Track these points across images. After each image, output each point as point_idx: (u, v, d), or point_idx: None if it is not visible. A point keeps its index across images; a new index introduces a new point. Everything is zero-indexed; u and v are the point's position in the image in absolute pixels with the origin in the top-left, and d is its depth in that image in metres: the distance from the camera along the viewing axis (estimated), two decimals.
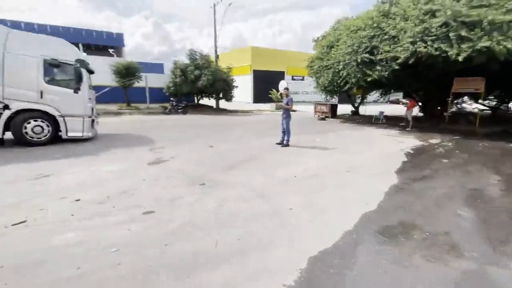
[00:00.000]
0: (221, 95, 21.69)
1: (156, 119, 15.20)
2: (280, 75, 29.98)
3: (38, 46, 6.84)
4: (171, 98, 19.58)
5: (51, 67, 6.96)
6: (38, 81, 6.79)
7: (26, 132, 6.77)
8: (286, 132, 7.70)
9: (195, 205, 3.59)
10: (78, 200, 3.62)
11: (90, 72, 8.07)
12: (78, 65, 7.24)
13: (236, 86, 22.19)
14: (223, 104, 23.01)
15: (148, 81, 20.78)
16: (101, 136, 8.70)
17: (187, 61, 20.21)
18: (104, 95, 16.53)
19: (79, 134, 7.46)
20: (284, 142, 7.74)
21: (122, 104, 20.12)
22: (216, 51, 22.27)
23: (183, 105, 19.26)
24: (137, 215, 3.27)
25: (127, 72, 18.41)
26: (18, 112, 6.68)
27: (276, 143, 7.94)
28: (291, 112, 7.82)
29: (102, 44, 28.67)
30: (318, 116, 17.28)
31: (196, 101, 23.33)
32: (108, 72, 17.84)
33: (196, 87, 19.30)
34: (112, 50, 30.38)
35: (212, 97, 21.96)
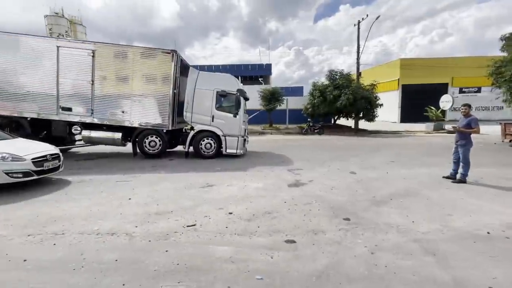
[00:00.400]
0: (361, 115, 20.06)
1: (293, 139, 15.97)
2: (440, 88, 24.29)
3: (213, 82, 8.82)
4: (308, 119, 20.12)
5: (220, 96, 8.76)
6: (211, 108, 8.69)
7: (201, 148, 8.76)
8: (463, 163, 5.71)
9: (340, 246, 3.09)
10: (231, 213, 4.02)
11: (246, 99, 9.53)
12: (238, 94, 8.72)
13: (380, 105, 19.86)
14: (362, 124, 21.17)
15: (289, 103, 22.50)
16: (249, 153, 9.97)
17: (326, 82, 20.29)
18: (251, 117, 19.37)
19: (234, 151, 8.84)
20: (459, 176, 5.77)
21: (265, 125, 22.79)
22: (358, 69, 21.10)
23: (319, 125, 19.29)
24: (279, 241, 3.17)
25: (272, 97, 20.75)
26: (198, 132, 8.77)
27: (444, 177, 6.06)
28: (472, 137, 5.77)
29: (255, 74, 34.56)
30: (510, 140, 12.25)
31: (332, 121, 22.82)
32: (256, 98, 20.82)
33: (335, 107, 18.86)
34: (261, 79, 35.76)
35: (350, 116, 20.73)
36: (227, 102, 8.99)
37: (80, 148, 10.32)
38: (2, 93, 8.02)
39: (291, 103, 23.45)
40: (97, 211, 4.10)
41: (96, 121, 8.33)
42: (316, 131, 19.06)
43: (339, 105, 18.29)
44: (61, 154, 5.94)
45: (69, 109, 8.25)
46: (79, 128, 8.54)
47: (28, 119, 8.30)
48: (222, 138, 8.76)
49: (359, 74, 21.10)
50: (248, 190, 5.27)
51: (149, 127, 8.50)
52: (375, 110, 19.75)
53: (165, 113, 8.40)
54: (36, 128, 8.52)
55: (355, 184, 5.80)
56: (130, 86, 8.34)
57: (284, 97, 21.61)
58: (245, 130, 9.22)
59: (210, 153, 8.81)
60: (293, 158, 8.95)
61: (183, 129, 9.89)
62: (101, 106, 8.30)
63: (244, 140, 9.17)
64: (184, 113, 8.66)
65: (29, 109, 8.15)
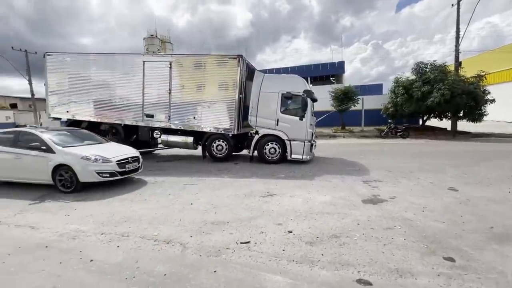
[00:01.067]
0: (461, 114, 16.32)
1: (370, 143, 14.14)
2: None
3: (278, 84, 8.43)
4: (389, 120, 17.60)
5: (285, 99, 8.30)
6: (276, 111, 8.33)
7: (265, 152, 8.49)
8: None
9: None
10: (291, 232, 3.49)
11: (314, 100, 8.78)
12: (305, 95, 8.08)
13: (491, 100, 15.72)
14: (463, 125, 17.22)
15: (365, 103, 20.26)
16: (316, 159, 9.16)
17: (412, 77, 17.36)
18: (319, 120, 18.17)
19: (299, 157, 8.22)
20: None
21: (336, 127, 21.13)
22: (457, 58, 17.26)
23: (403, 127, 16.60)
24: (348, 280, 2.47)
25: (345, 97, 19.06)
26: (263, 136, 8.54)
27: None
28: None
29: (326, 74, 32.64)
30: None
31: (420, 122, 19.39)
32: (327, 98, 19.47)
33: (424, 106, 15.89)
34: (333, 78, 33.66)
35: (445, 116, 17.13)
36: (293, 104, 8.47)
37: (161, 150, 11.58)
38: (106, 104, 9.65)
39: (368, 102, 21.06)
40: (161, 215, 4.21)
41: (172, 126, 9.10)
42: (399, 134, 16.47)
43: (430, 103, 15.30)
44: (140, 156, 6.59)
45: (152, 116, 9.27)
46: (159, 133, 9.51)
47: (122, 125, 9.73)
48: (287, 142, 8.28)
49: (458, 64, 17.22)
50: (313, 203, 4.61)
51: (216, 132, 8.76)
52: (482, 108, 15.73)
53: (231, 118, 8.50)
54: (128, 133, 9.92)
55: (458, 205, 4.39)
56: (201, 92, 8.79)
57: (359, 96, 19.56)
58: (312, 134, 8.49)
59: (274, 158, 8.45)
60: (370, 167, 7.71)
61: (249, 133, 9.88)
62: (176, 113, 9.03)
63: (311, 145, 8.44)
64: (249, 117, 8.57)
65: (122, 116, 9.54)
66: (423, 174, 6.68)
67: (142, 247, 3.18)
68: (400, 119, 18.18)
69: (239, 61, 8.28)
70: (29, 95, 27.63)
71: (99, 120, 9.86)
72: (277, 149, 8.41)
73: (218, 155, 8.94)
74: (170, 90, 8.97)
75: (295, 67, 33.78)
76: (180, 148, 9.58)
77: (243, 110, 8.73)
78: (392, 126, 16.94)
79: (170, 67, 8.91)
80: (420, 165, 7.75)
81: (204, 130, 8.85)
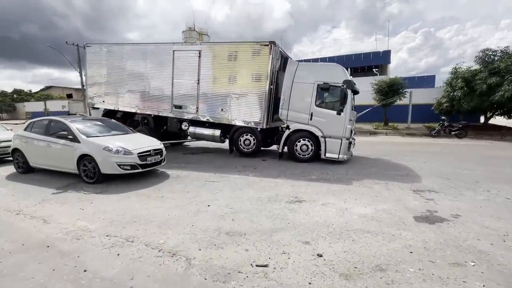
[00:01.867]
0: None
1: (417, 143, 12.43)
2: None
3: (314, 73, 7.52)
4: (442, 117, 15.39)
5: (321, 90, 7.38)
6: (310, 104, 7.46)
7: (296, 149, 7.72)
8: None
9: None
10: (320, 256, 2.78)
11: (355, 92, 7.71)
12: (345, 86, 7.07)
13: None
14: None
15: (413, 97, 18.03)
16: (355, 159, 8.12)
17: (475, 67, 14.85)
18: (360, 115, 16.59)
19: (335, 156, 7.30)
20: None
21: (378, 123, 19.26)
22: None
23: (459, 125, 14.36)
24: None
25: (390, 90, 17.14)
26: (294, 131, 7.76)
27: None
28: None
29: (369, 64, 29.88)
30: None
31: (482, 120, 16.70)
32: (369, 91, 17.70)
33: (489, 101, 13.49)
34: (376, 69, 30.85)
35: None
36: (330, 96, 7.52)
37: (191, 142, 11.44)
38: (138, 94, 9.67)
39: (417, 96, 18.76)
40: (173, 217, 3.80)
41: (200, 118, 8.77)
42: (454, 132, 14.31)
43: (498, 97, 12.90)
44: (164, 149, 6.32)
45: (180, 107, 9.04)
46: (187, 125, 9.28)
47: (152, 116, 9.70)
48: (321, 139, 7.39)
49: None
50: (350, 217, 3.80)
51: (244, 125, 8.21)
52: None
53: (260, 110, 7.85)
54: (158, 124, 9.87)
55: None
56: (229, 83, 8.27)
57: (406, 90, 17.45)
58: (351, 131, 7.47)
59: (306, 156, 7.63)
60: (420, 171, 6.51)
61: (280, 128, 9.16)
62: (204, 104, 8.66)
63: (350, 143, 7.44)
64: (280, 110, 7.83)
65: (153, 107, 9.48)
66: (494, 185, 5.36)
67: (143, 258, 2.75)
68: (456, 116, 15.81)
69: (271, 49, 7.54)
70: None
71: (131, 111, 9.96)
72: (310, 147, 7.58)
73: (245, 150, 8.40)
74: (198, 80, 8.61)
75: (334, 57, 31.49)
76: (207, 141, 9.25)
77: (273, 102, 8.03)
78: (446, 123, 14.76)
79: (199, 56, 8.51)
80: (488, 173, 6.32)
81: (232, 123, 8.36)
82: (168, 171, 6.56)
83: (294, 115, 7.67)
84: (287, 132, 7.81)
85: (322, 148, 7.40)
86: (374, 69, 30.13)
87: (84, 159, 5.46)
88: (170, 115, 9.26)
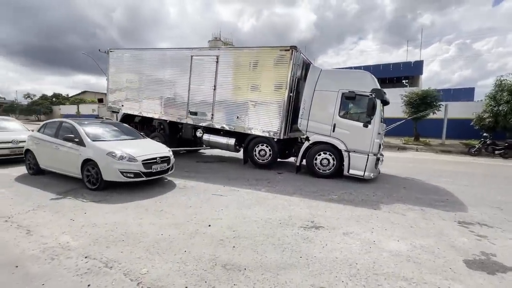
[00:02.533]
0: None
1: (455, 161, 11.08)
2: None
3: (338, 81, 6.83)
4: (484, 134, 13.79)
5: (346, 99, 6.66)
6: (333, 115, 6.76)
7: (315, 163, 6.99)
8: None
9: None
10: None
11: (385, 103, 6.90)
12: (373, 95, 6.30)
13: None
14: None
15: (449, 111, 16.47)
16: (382, 178, 7.21)
17: None
18: (390, 128, 15.37)
19: (360, 173, 6.48)
20: None
21: (408, 137, 17.82)
22: None
23: (506, 144, 12.71)
24: None
25: (422, 102, 15.79)
26: (314, 144, 7.06)
27: None
28: None
29: (398, 75, 28.10)
30: None
31: None
32: (397, 103, 16.43)
33: None
34: (406, 81, 29.11)
35: None
36: (356, 106, 6.78)
37: (207, 150, 11.08)
38: (155, 99, 9.53)
39: (453, 110, 17.16)
40: (167, 238, 3.28)
41: (215, 125, 8.37)
42: (498, 152, 12.69)
43: None
44: (171, 156, 5.93)
45: (195, 114, 8.73)
46: (201, 132, 8.92)
47: (168, 121, 9.48)
48: (345, 154, 6.62)
49: None
50: (379, 254, 3.05)
51: (260, 135, 7.67)
52: None
53: (277, 119, 7.27)
54: (173, 131, 9.63)
55: None
56: (246, 89, 7.81)
57: (441, 103, 15.99)
58: (379, 145, 6.63)
59: (327, 171, 6.88)
60: (464, 197, 5.50)
61: (298, 139, 8.50)
62: (219, 111, 8.26)
63: (377, 159, 6.59)
64: (299, 120, 7.20)
65: (168, 113, 9.27)
66: None
67: None
68: (502, 133, 14.09)
69: (292, 54, 7.01)
70: None
71: (147, 115, 9.84)
72: (331, 161, 6.83)
73: (260, 161, 7.82)
74: (215, 86, 8.26)
75: (361, 67, 30.27)
76: (222, 149, 8.81)
77: (293, 111, 7.42)
78: (489, 141, 13.16)
79: (217, 62, 8.19)
80: None
81: (247, 131, 7.85)
82: (176, 180, 6.14)
83: (315, 125, 6.99)
84: (306, 144, 7.13)
85: (345, 163, 6.62)
86: (403, 81, 28.39)
87: (88, 164, 5.19)
88: (185, 121, 8.98)
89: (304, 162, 7.30)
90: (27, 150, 6.38)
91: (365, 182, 6.58)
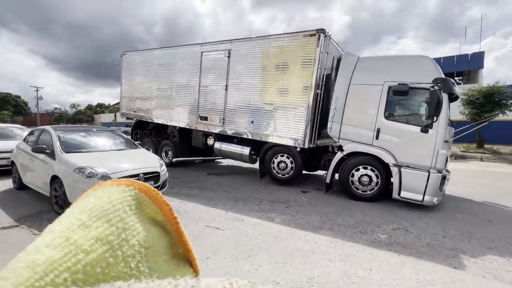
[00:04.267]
0: None
1: None
2: None
3: (384, 70, 5.06)
4: None
5: (396, 95, 4.86)
6: (376, 116, 5.00)
7: (351, 181, 5.25)
8: None
9: None
10: None
11: (453, 98, 4.97)
12: (438, 87, 4.43)
13: None
14: None
15: None
16: (448, 202, 5.18)
17: None
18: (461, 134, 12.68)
19: (417, 198, 4.60)
20: None
21: (468, 144, 14.77)
22: None
23: None
24: None
25: (486, 101, 12.84)
26: (350, 155, 5.34)
27: None
28: None
29: (451, 71, 24.04)
30: None
31: None
32: (452, 104, 13.60)
33: None
34: (459, 78, 25.09)
35: None
36: (409, 104, 4.96)
37: (223, 159, 9.83)
38: (165, 103, 8.54)
39: None
40: None
41: (228, 132, 7.07)
42: None
43: None
44: (162, 172, 4.70)
45: (205, 119, 7.52)
46: (213, 140, 7.70)
47: (177, 128, 8.43)
48: (394, 169, 4.80)
49: None
50: None
51: (279, 143, 6.16)
52: None
53: (300, 124, 5.71)
54: (183, 138, 8.53)
55: None
56: (262, 88, 6.40)
57: None
58: (446, 158, 4.68)
59: (368, 193, 5.10)
60: None
61: (330, 147, 6.81)
62: (232, 115, 6.94)
63: (444, 178, 4.64)
64: (329, 123, 5.54)
65: (179, 118, 8.22)
66: None
67: None
68: None
69: (319, 39, 5.43)
70: None
71: (158, 121, 8.93)
72: (374, 179, 5.04)
73: (279, 175, 6.28)
74: (226, 86, 6.98)
75: None
76: (236, 160, 7.46)
77: (321, 113, 5.80)
78: None
79: (229, 57, 6.91)
80: None
81: (264, 139, 6.39)
82: (171, 201, 4.88)
83: (351, 131, 5.28)
84: (339, 155, 5.43)
85: (395, 182, 4.79)
86: (456, 78, 24.42)
87: (56, 181, 4.16)
88: (195, 127, 7.83)
89: (336, 176, 5.60)
90: (13, 162, 5.67)
91: (425, 209, 4.67)
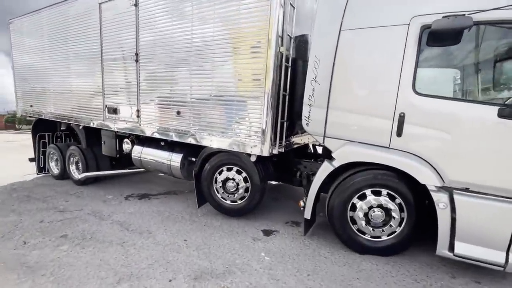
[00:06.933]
0: None
1: None
2: None
3: None
4: None
5: (439, 42, 2.34)
6: (398, 89, 2.48)
7: (352, 218, 2.75)
8: None
9: None
10: None
11: None
12: None
13: None
14: None
15: None
16: None
17: None
18: None
19: (494, 258, 2.16)
20: None
21: None
22: None
23: None
24: None
25: None
26: (348, 168, 2.81)
27: None
28: None
29: None
30: None
31: None
32: None
33: None
34: None
35: None
36: (470, 61, 2.46)
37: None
38: (61, 89, 5.56)
39: None
40: None
41: (146, 131, 4.32)
42: None
43: None
44: None
45: (114, 111, 4.72)
46: (129, 143, 4.93)
47: (80, 127, 5.51)
48: (439, 196, 2.32)
49: None
50: None
51: (222, 148, 3.52)
52: None
53: (253, 112, 3.09)
54: (92, 142, 5.61)
55: None
56: (189, 57, 3.66)
57: None
58: None
59: (382, 240, 2.62)
60: None
61: (309, 147, 4.29)
62: (149, 104, 4.21)
63: None
64: (305, 110, 2.95)
65: (80, 113, 5.34)
66: None
67: None
68: None
69: None
70: None
71: (53, 119, 6.02)
72: (396, 215, 2.56)
73: (226, 203, 3.68)
74: (137, 55, 4.19)
75: None
76: (163, 173, 4.78)
77: (294, 92, 3.20)
78: None
79: (136, 5, 4.10)
80: None
81: (199, 142, 3.72)
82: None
83: (346, 121, 2.74)
84: (326, 167, 2.86)
85: (442, 224, 2.32)
86: None
87: None
88: (103, 126, 5.01)
89: (322, 211, 3.09)
90: None
91: (500, 276, 2.27)
